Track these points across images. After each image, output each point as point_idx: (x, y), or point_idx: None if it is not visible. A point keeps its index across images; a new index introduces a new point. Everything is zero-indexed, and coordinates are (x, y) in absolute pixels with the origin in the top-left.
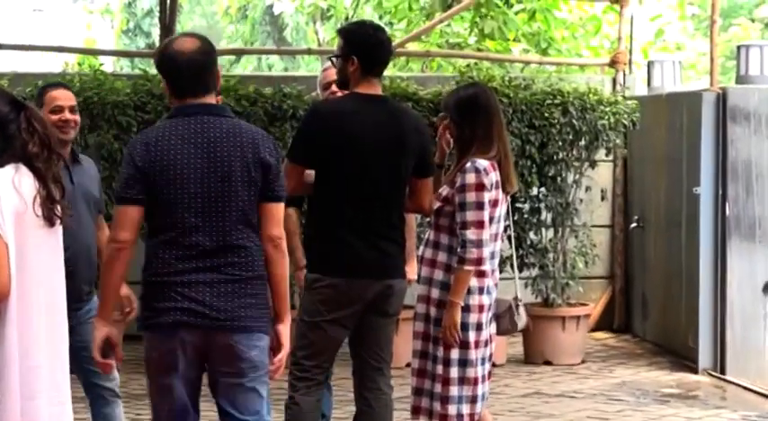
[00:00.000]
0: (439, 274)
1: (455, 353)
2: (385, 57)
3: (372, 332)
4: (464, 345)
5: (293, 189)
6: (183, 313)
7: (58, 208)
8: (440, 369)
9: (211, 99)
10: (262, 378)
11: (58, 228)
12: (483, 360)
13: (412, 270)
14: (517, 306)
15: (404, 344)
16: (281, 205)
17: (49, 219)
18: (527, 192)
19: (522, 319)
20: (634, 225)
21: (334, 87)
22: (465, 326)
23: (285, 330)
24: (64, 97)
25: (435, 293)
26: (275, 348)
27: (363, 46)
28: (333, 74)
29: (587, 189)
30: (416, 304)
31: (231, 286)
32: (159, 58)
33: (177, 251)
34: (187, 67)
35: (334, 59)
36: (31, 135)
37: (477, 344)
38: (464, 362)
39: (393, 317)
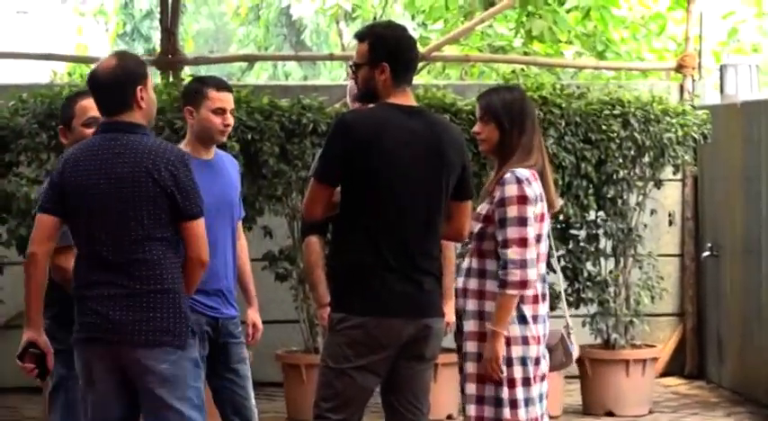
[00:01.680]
0: (491, 306)
1: (521, 393)
2: (417, 62)
3: (407, 379)
4: (526, 383)
5: (321, 213)
6: (88, 328)
7: None
8: (507, 413)
9: (129, 117)
10: (180, 394)
11: None
12: (541, 397)
13: (450, 311)
14: (569, 334)
15: (443, 393)
16: (198, 222)
17: None
18: (583, 217)
19: (575, 350)
20: (707, 253)
21: None
22: (524, 361)
23: None
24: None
25: (489, 328)
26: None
27: (396, 50)
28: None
29: (652, 212)
30: (465, 342)
31: (131, 300)
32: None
33: (86, 264)
34: (101, 84)
35: (352, 68)
36: None
37: (535, 379)
38: (527, 402)
39: (430, 362)
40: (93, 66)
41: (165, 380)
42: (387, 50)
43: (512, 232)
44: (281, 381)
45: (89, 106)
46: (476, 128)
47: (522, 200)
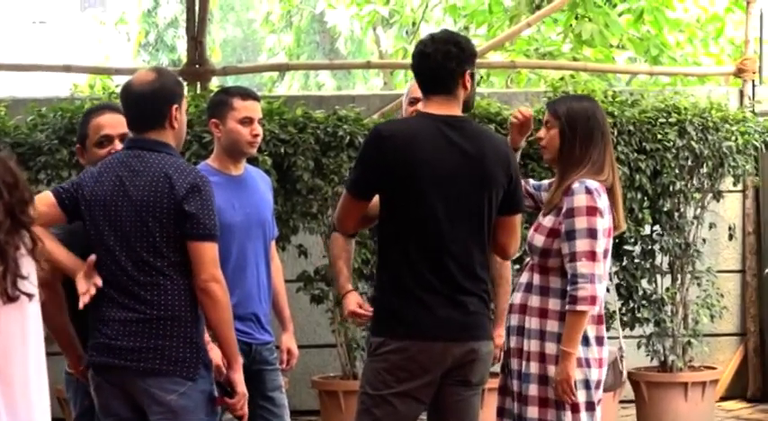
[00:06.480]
0: (553, 326)
1: (585, 418)
2: (426, 71)
3: (453, 406)
4: (590, 407)
5: (354, 227)
6: (99, 351)
7: (24, 284)
8: None
9: (159, 135)
10: None
11: (23, 305)
12: None
13: (502, 335)
14: (621, 357)
15: (490, 419)
16: (207, 245)
17: (6, 295)
18: (637, 232)
19: (624, 374)
20: None
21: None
22: (587, 384)
23: (237, 377)
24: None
25: (552, 349)
26: (229, 394)
27: (417, 59)
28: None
29: (711, 226)
30: (526, 363)
31: (140, 326)
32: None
33: (103, 286)
34: (136, 99)
35: None
36: None
37: (598, 403)
38: None
39: (478, 388)
40: (127, 78)
41: (172, 411)
42: (414, 57)
43: (581, 245)
44: (317, 409)
45: (103, 124)
46: (539, 133)
47: (593, 211)
